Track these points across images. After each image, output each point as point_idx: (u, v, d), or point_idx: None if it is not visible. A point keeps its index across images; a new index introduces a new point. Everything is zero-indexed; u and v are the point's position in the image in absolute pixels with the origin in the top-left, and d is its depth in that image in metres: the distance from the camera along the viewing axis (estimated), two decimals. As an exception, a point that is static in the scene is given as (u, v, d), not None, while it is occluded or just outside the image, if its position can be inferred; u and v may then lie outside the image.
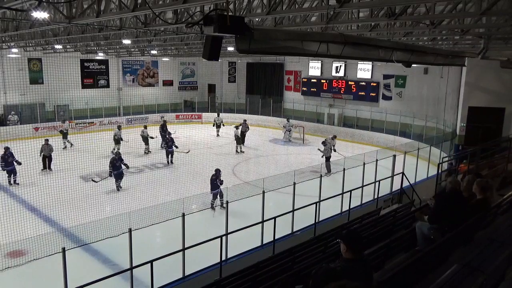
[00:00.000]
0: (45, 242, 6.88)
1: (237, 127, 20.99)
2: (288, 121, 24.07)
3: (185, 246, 7.90)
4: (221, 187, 12.26)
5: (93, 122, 25.97)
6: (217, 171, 12.48)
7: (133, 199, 12.58)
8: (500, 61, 14.04)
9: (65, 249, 6.53)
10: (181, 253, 7.80)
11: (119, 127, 20.29)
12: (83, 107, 25.94)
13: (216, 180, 12.34)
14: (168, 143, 18.10)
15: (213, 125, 24.75)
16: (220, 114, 26.01)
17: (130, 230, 7.21)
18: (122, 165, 14.23)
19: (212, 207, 12.15)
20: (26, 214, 11.76)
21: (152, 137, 20.16)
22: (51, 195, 13.42)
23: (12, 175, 14.20)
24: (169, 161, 18.01)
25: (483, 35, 10.87)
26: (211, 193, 12.23)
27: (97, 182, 13.71)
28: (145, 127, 20.90)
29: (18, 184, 14.27)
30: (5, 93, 23.34)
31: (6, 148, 14.27)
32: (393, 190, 12.90)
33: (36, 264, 7.03)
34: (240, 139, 20.76)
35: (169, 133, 19.67)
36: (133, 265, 7.01)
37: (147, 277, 6.68)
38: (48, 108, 24.83)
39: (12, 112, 23.44)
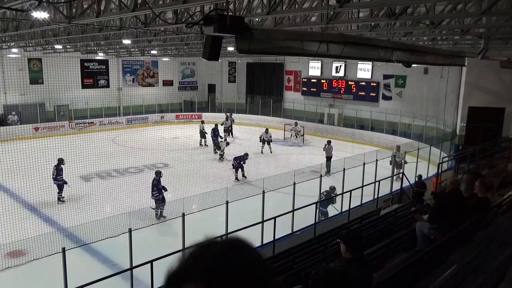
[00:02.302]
0: (45, 242, 6.88)
1: (266, 131, 20.39)
2: (296, 125, 23.29)
3: (185, 246, 7.91)
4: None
5: (93, 122, 25.98)
6: (333, 188, 11.34)
7: (133, 199, 12.59)
8: (500, 61, 14.04)
9: (65, 249, 6.53)
10: (181, 253, 7.79)
11: (203, 122, 21.96)
12: (83, 107, 25.94)
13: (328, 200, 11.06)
14: (238, 161, 15.81)
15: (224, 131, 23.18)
16: (228, 116, 24.19)
17: (130, 230, 7.21)
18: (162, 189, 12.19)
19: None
20: (26, 214, 11.76)
21: (206, 133, 21.24)
22: (51, 195, 13.45)
23: (59, 191, 13.25)
24: (237, 177, 15.76)
25: (483, 35, 10.87)
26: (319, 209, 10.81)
27: (154, 208, 11.84)
28: (203, 122, 21.92)
29: (63, 201, 13.17)
30: (5, 93, 23.34)
31: (61, 160, 13.41)
32: (393, 190, 12.91)
33: (36, 264, 7.03)
34: (265, 141, 20.39)
35: (221, 137, 20.04)
36: (133, 265, 7.01)
37: (147, 277, 6.68)
38: (48, 108, 24.84)
39: (13, 112, 23.44)
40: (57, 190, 13.26)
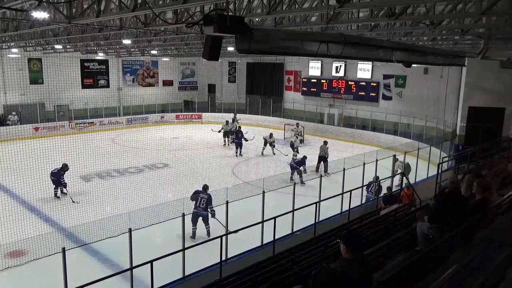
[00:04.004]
0: (45, 242, 6.88)
1: (270, 136, 20.28)
2: (298, 126, 23.21)
3: (185, 246, 7.91)
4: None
5: (93, 122, 25.98)
6: (377, 177, 12.18)
7: (133, 199, 12.59)
8: (500, 61, 14.04)
9: (65, 249, 6.52)
10: (181, 253, 7.80)
11: (227, 122, 22.38)
12: (83, 107, 25.95)
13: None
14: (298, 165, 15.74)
15: (220, 131, 22.21)
16: (231, 119, 23.62)
17: (130, 230, 7.20)
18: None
19: None
20: (26, 214, 11.76)
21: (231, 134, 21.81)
22: (51, 195, 13.45)
23: (58, 187, 13.51)
24: (300, 178, 15.19)
25: (483, 35, 10.87)
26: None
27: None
28: (227, 122, 22.30)
29: (58, 198, 13.51)
30: (5, 93, 23.34)
31: (65, 165, 13.60)
32: (393, 190, 12.89)
33: (36, 264, 7.03)
34: (267, 142, 20.31)
35: (246, 140, 20.07)
36: (133, 265, 7.01)
37: (147, 277, 6.68)
38: (48, 108, 24.84)
39: (13, 112, 23.44)
40: (53, 186, 13.50)
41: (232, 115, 25.99)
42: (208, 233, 10.44)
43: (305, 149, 21.84)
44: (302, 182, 14.96)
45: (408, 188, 11.45)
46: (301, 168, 15.49)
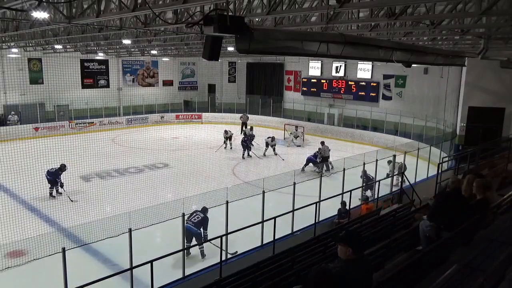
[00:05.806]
0: (45, 242, 6.87)
1: (273, 139, 20.28)
2: (297, 130, 23.33)
3: (185, 246, 7.90)
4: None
5: (93, 122, 25.98)
6: (364, 171, 13.00)
7: (133, 199, 12.58)
8: (500, 61, 14.03)
9: (65, 249, 6.52)
10: (181, 253, 7.80)
11: (226, 132, 22.01)
12: (83, 107, 25.95)
13: None
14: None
15: (225, 139, 21.96)
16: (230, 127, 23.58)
17: (130, 230, 7.20)
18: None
19: None
20: (26, 214, 11.76)
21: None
22: (51, 194, 13.45)
23: (54, 186, 13.56)
24: (305, 169, 16.92)
25: (483, 35, 10.86)
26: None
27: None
28: (226, 132, 22.00)
29: (54, 197, 13.59)
30: (5, 93, 23.33)
31: (63, 166, 13.67)
32: (393, 190, 12.91)
33: (36, 264, 7.02)
34: (268, 144, 20.30)
35: (252, 145, 20.20)
36: (133, 265, 7.01)
37: (147, 277, 6.68)
38: (48, 108, 24.84)
39: (12, 112, 23.43)
40: (49, 185, 13.53)
41: (239, 114, 26.08)
42: (202, 255, 9.46)
43: (305, 149, 21.88)
44: (330, 166, 16.76)
45: (367, 203, 11.31)
46: (317, 160, 17.03)
